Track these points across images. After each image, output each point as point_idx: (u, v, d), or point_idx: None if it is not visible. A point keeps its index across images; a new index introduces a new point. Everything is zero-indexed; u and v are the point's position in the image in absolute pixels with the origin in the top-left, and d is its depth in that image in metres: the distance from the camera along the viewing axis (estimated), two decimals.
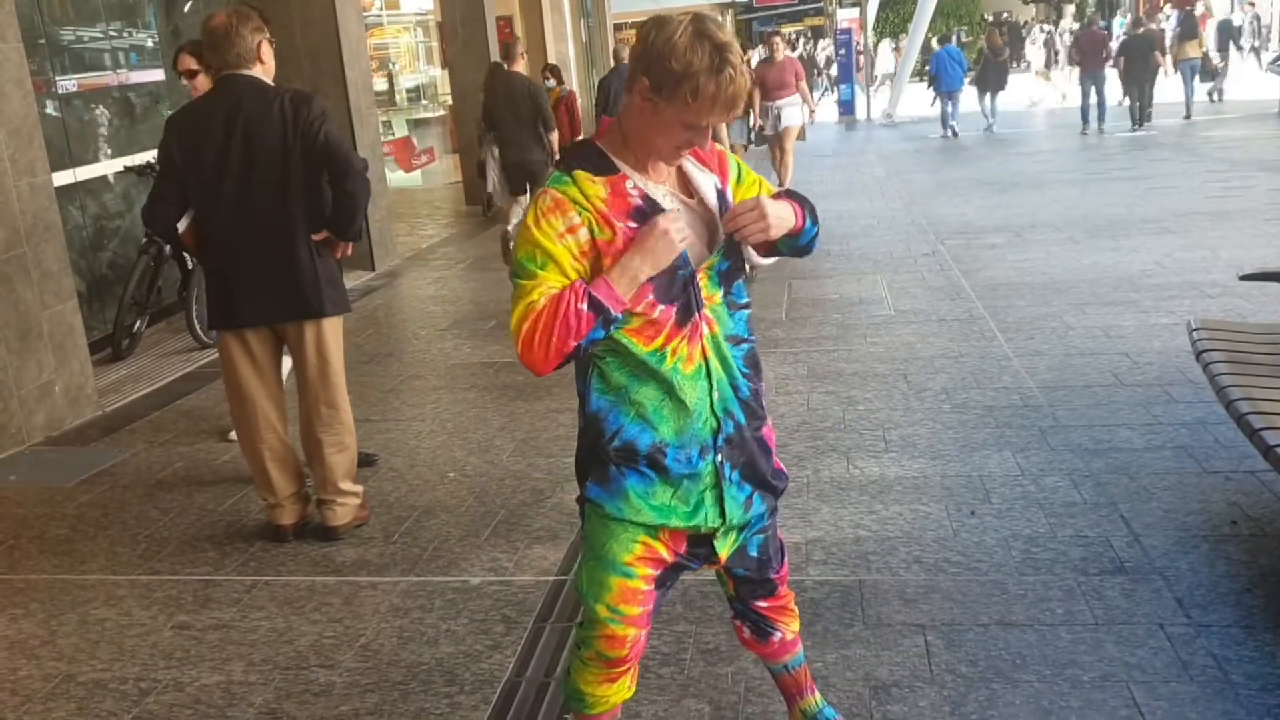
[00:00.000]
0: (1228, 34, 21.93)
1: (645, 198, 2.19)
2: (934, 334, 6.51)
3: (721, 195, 2.30)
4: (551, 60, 16.72)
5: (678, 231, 2.14)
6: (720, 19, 2.16)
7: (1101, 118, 17.42)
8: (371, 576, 3.94)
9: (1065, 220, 9.90)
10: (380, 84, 18.32)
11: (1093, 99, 17.43)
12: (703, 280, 2.25)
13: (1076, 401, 5.15)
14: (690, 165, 2.28)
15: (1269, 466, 4.02)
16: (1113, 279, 7.51)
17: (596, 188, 2.17)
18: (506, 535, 4.19)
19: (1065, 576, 3.55)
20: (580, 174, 2.18)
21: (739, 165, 2.41)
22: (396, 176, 15.65)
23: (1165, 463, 4.38)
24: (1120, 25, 21.82)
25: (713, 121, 2.11)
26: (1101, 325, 6.39)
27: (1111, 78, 17.59)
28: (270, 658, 3.42)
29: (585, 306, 2.10)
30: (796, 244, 2.38)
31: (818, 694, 2.78)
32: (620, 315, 2.15)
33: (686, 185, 2.27)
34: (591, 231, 2.15)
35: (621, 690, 2.47)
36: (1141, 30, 18.26)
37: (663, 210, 2.18)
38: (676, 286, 2.21)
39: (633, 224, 2.17)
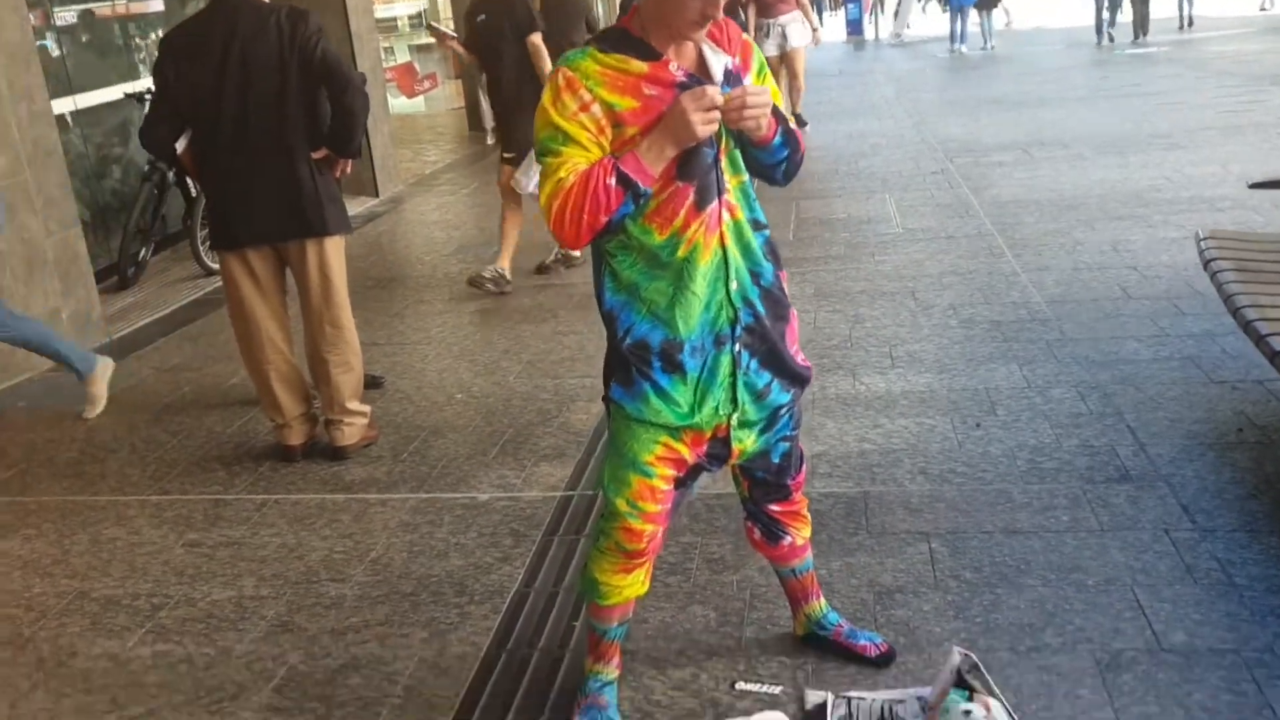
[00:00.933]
0: None
1: (690, 75, 2.20)
2: (942, 251, 6.47)
3: (732, 75, 2.26)
4: None
5: (698, 110, 2.10)
6: None
7: (1112, 23, 17.98)
8: (380, 494, 3.97)
9: (1074, 137, 9.77)
10: (383, 10, 18.07)
11: (1105, 13, 17.97)
12: (725, 163, 2.25)
13: (1084, 315, 5.13)
14: (707, 49, 2.25)
15: (1276, 374, 4.02)
16: (1121, 194, 7.44)
17: (614, 59, 2.17)
18: (514, 454, 4.21)
19: (1071, 485, 3.56)
20: (601, 53, 2.18)
21: (762, 62, 2.39)
22: (399, 103, 15.50)
23: (1172, 373, 4.37)
24: None
25: None
26: (1110, 240, 6.34)
27: None
28: (281, 573, 3.46)
29: (614, 182, 2.12)
30: (763, 158, 2.32)
31: (823, 599, 2.81)
32: (649, 190, 2.15)
33: (705, 69, 2.25)
34: (609, 104, 2.15)
35: (635, 584, 2.50)
36: None
37: (700, 85, 2.16)
38: (701, 166, 2.20)
39: (669, 97, 2.16)
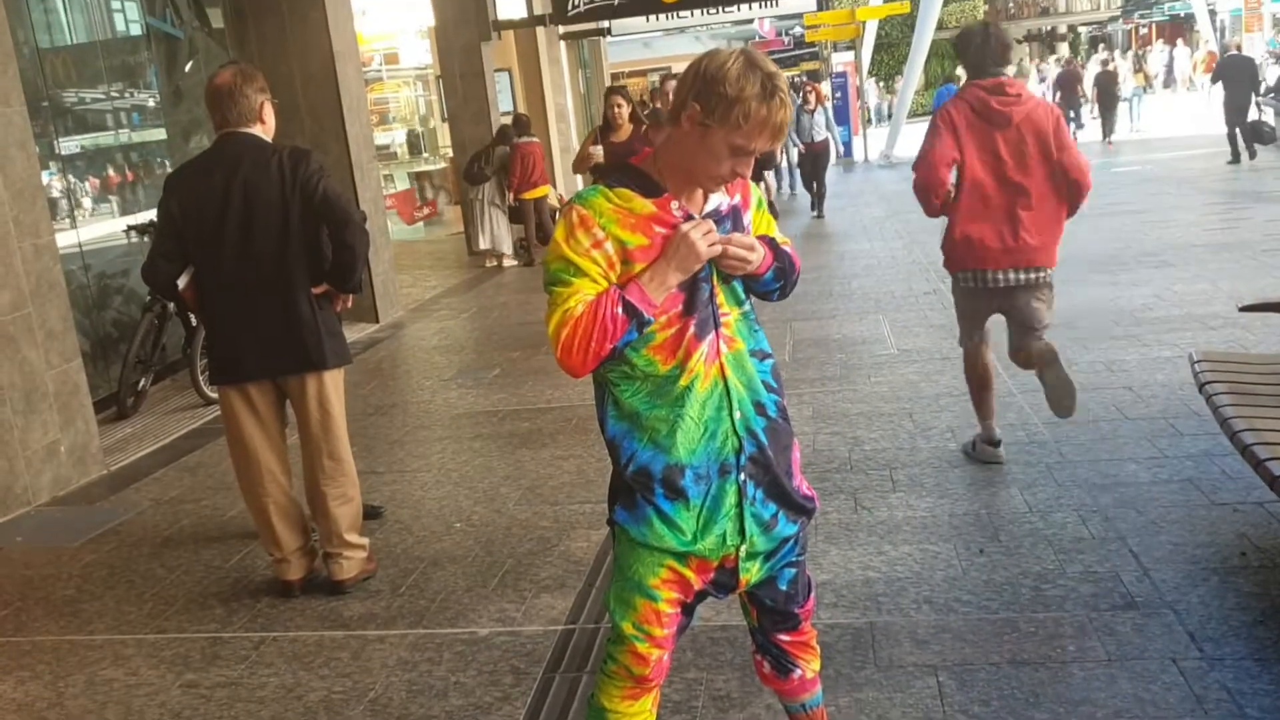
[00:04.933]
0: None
1: (689, 215, 2.29)
2: (937, 372, 6.51)
3: (725, 215, 2.36)
4: (551, 111, 16.88)
5: (703, 239, 2.22)
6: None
7: (1076, 133, 21.72)
8: (379, 630, 3.92)
9: (1064, 255, 9.75)
10: (384, 138, 18.48)
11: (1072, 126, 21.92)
12: (720, 296, 2.32)
13: (1082, 436, 5.14)
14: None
15: (1276, 497, 4.01)
16: (1113, 313, 7.52)
17: (620, 195, 2.26)
18: (514, 585, 4.18)
19: (1076, 613, 3.53)
20: (609, 189, 2.28)
21: (760, 197, 2.50)
22: (399, 229, 15.75)
23: (1172, 496, 4.37)
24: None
25: (759, 147, 2.20)
26: (1104, 360, 6.39)
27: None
28: (279, 715, 3.40)
29: (620, 311, 2.19)
30: (755, 287, 2.43)
31: None
32: (651, 319, 2.23)
33: (703, 208, 2.35)
34: (621, 241, 2.23)
35: (643, 713, 2.48)
36: (1107, 67, 24.76)
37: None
38: (699, 300, 2.28)
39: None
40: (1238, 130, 16.17)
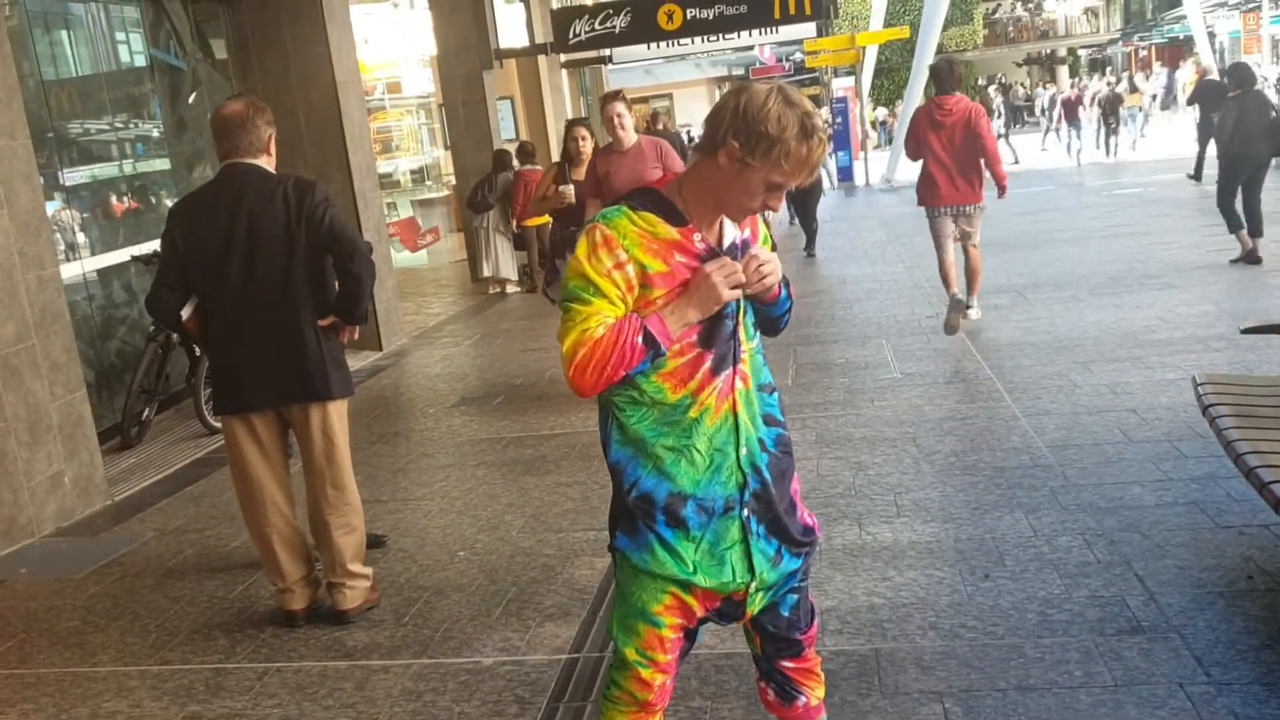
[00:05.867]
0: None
1: (711, 250, 2.30)
2: (941, 396, 6.51)
3: (738, 247, 2.37)
4: (553, 138, 16.95)
5: (725, 280, 2.23)
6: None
7: (1080, 152, 24.08)
8: (383, 660, 3.91)
9: (1067, 278, 9.93)
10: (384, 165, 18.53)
11: (1075, 143, 24.41)
12: (741, 332, 2.34)
13: (1086, 460, 5.13)
14: (729, 223, 2.37)
15: None
16: (1117, 335, 7.52)
17: (644, 219, 2.27)
18: (518, 614, 4.17)
19: (1082, 638, 3.52)
20: (633, 211, 2.28)
21: (766, 232, 2.51)
22: (402, 257, 15.79)
23: (1178, 519, 4.36)
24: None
25: (795, 182, 2.24)
26: (1108, 382, 6.39)
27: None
28: None
29: (640, 340, 2.20)
30: (771, 312, 2.46)
31: None
32: (666, 351, 2.24)
33: (722, 241, 2.36)
34: (642, 265, 2.23)
35: None
36: (1107, 89, 26.53)
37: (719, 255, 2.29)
38: (721, 335, 2.30)
39: (693, 266, 2.27)
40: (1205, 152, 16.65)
